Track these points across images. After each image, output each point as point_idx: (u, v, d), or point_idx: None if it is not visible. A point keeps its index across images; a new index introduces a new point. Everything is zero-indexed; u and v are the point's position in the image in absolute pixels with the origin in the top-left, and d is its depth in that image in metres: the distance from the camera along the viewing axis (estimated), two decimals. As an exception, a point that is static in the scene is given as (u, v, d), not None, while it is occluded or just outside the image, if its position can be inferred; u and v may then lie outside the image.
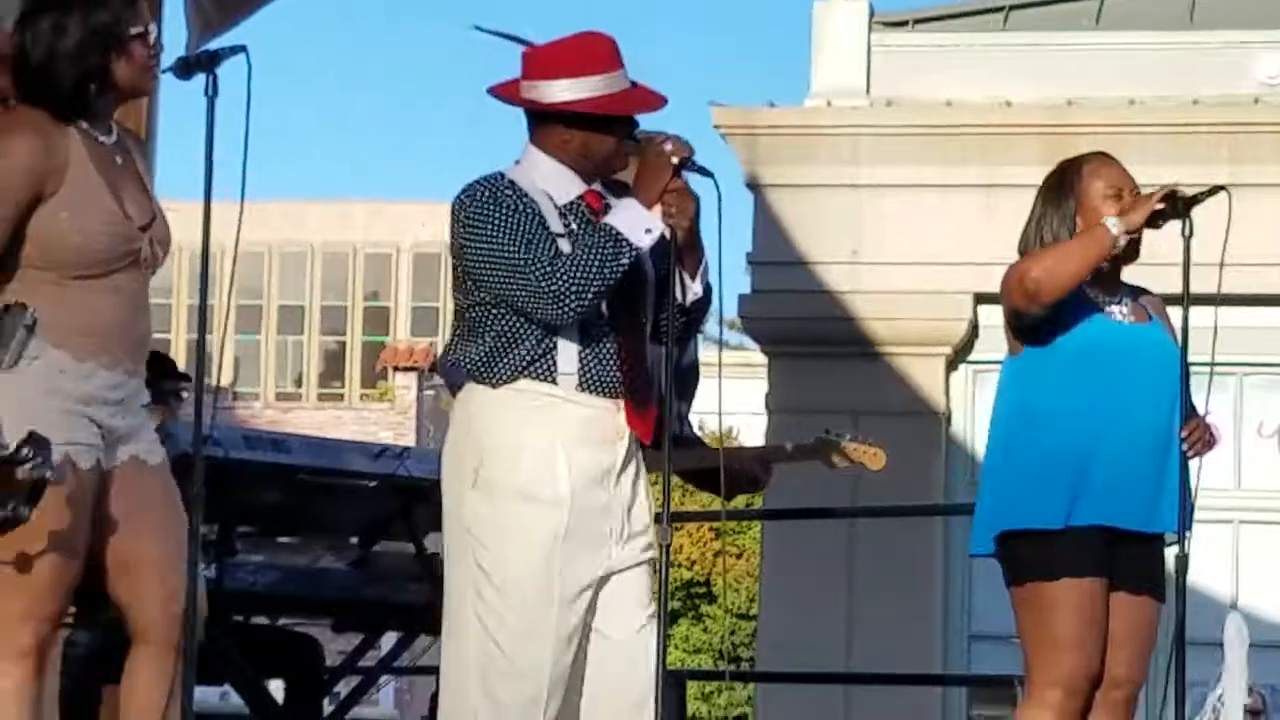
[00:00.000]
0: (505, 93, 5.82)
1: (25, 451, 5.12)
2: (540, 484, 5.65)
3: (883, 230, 14.02)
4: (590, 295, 5.55)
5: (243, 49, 5.34)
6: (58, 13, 5.49)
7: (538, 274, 5.56)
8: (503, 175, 5.73)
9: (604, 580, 5.70)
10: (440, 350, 7.42)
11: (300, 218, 48.26)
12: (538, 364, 5.65)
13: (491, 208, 5.65)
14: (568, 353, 5.66)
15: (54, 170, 5.36)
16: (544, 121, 5.79)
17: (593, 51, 5.77)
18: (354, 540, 8.02)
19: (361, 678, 8.98)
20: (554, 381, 5.65)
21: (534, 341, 5.64)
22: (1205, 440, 6.37)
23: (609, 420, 5.71)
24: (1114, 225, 6.09)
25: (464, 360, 5.77)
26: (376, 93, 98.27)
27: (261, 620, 8.52)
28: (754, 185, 14.23)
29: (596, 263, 5.57)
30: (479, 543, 5.69)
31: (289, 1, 9.57)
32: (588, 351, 5.68)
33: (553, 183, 5.74)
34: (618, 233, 5.59)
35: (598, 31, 5.85)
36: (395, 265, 51.53)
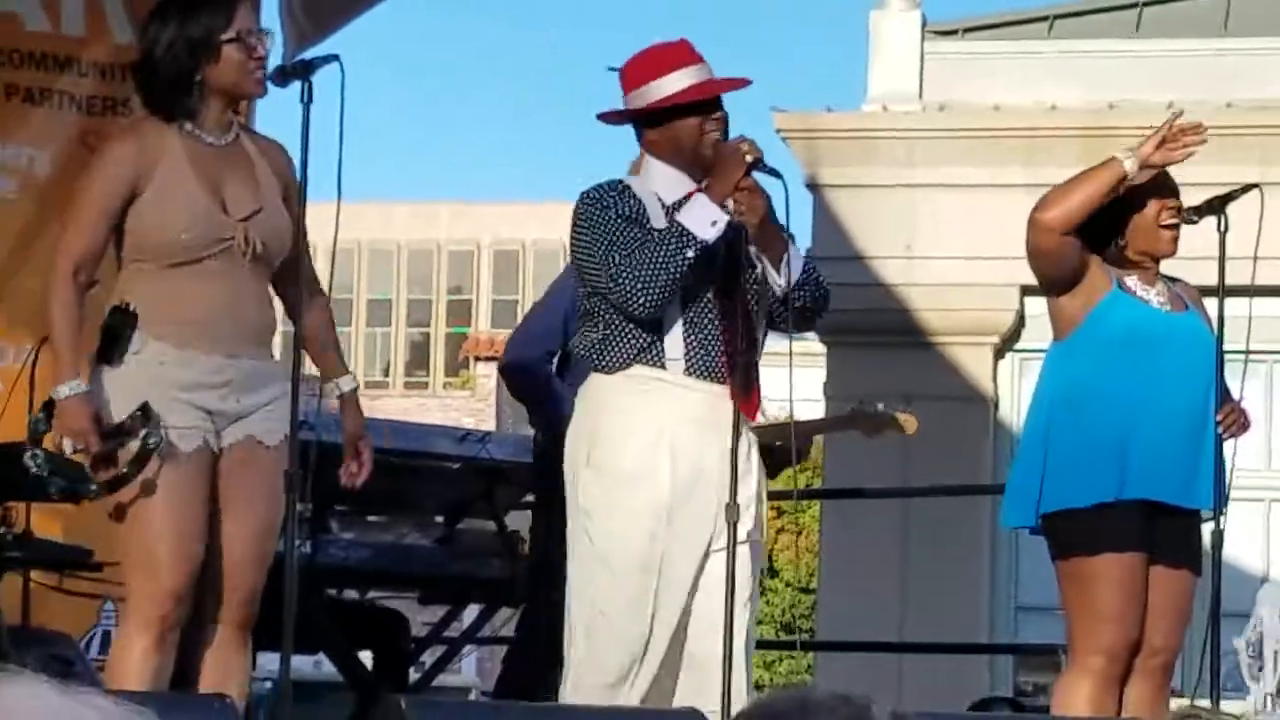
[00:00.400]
0: (609, 116, 5.97)
1: (133, 424, 5.20)
2: (646, 466, 5.70)
3: (935, 227, 14.00)
4: (658, 288, 5.60)
5: (335, 58, 5.37)
6: (157, 23, 5.58)
7: (616, 271, 5.63)
8: (620, 181, 5.89)
9: (706, 558, 5.71)
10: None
11: (388, 217, 48.47)
12: (647, 351, 5.72)
13: (595, 210, 5.77)
14: (674, 339, 5.72)
15: (145, 168, 5.41)
16: (643, 129, 5.90)
17: (664, 56, 5.87)
18: (439, 519, 8.04)
19: (446, 648, 8.98)
20: (663, 366, 5.73)
21: (643, 329, 5.71)
22: (1240, 423, 6.41)
23: (715, 403, 5.72)
24: (1125, 156, 6.07)
25: (581, 348, 5.91)
26: (462, 98, 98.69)
27: (353, 595, 8.54)
28: (813, 185, 14.22)
29: (662, 258, 5.60)
30: (590, 519, 5.77)
31: (381, 10, 9.48)
32: (694, 338, 5.73)
33: (663, 185, 5.81)
34: (684, 229, 5.63)
35: (671, 40, 5.92)
36: (476, 261, 51.75)
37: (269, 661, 5.93)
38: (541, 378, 7.29)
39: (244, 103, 5.75)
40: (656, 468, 5.66)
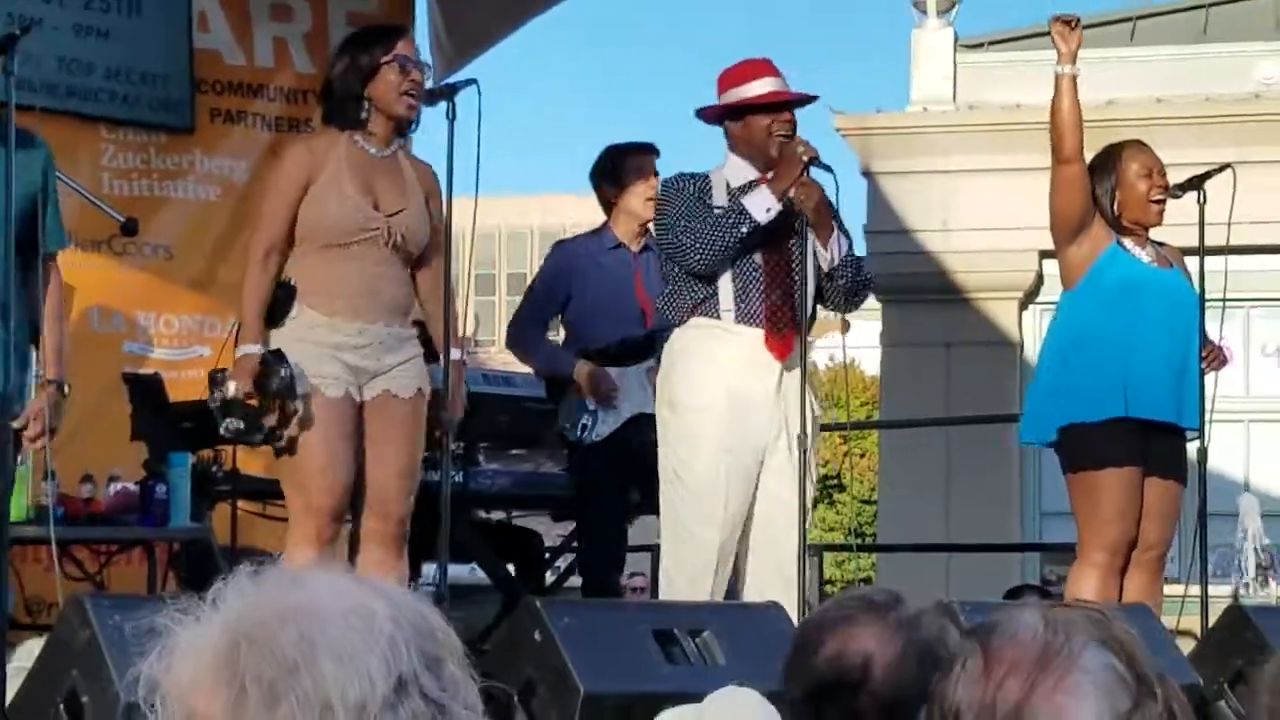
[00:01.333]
0: (705, 114, 6.04)
1: (277, 362, 5.31)
2: (705, 399, 5.74)
3: (966, 205, 13.98)
4: (715, 250, 5.72)
5: (473, 82, 5.43)
6: (338, 52, 5.70)
7: (681, 234, 5.74)
8: (702, 172, 5.94)
9: (763, 473, 5.75)
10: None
11: (523, 208, 48.42)
12: (704, 304, 5.79)
13: (671, 190, 5.93)
14: (726, 294, 5.78)
15: (315, 168, 5.47)
16: (727, 125, 5.96)
17: (749, 67, 5.96)
18: (565, 451, 8.05)
19: (574, 554, 9.01)
20: (717, 316, 5.77)
21: (700, 287, 5.79)
22: (1220, 359, 6.45)
23: (758, 344, 5.78)
24: (1060, 69, 6.13)
25: (663, 306, 5.96)
26: (588, 99, 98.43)
27: (498, 515, 8.57)
28: (867, 173, 14.20)
29: (722, 229, 5.70)
30: (669, 447, 5.82)
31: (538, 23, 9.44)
32: (741, 293, 5.78)
33: (734, 173, 5.89)
34: (743, 207, 5.72)
35: (758, 58, 6.02)
36: (597, 242, 51.77)
37: (431, 570, 5.98)
38: (531, 347, 7.31)
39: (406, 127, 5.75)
40: (715, 401, 5.71)
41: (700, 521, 5.72)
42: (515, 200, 48.28)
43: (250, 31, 9.04)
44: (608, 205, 7.15)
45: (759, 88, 5.88)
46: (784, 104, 5.90)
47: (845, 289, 5.95)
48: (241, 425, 5.34)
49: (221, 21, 8.98)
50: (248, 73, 9.04)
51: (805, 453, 5.72)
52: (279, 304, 5.44)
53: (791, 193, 5.70)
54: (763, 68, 5.92)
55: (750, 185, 5.79)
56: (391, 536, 5.52)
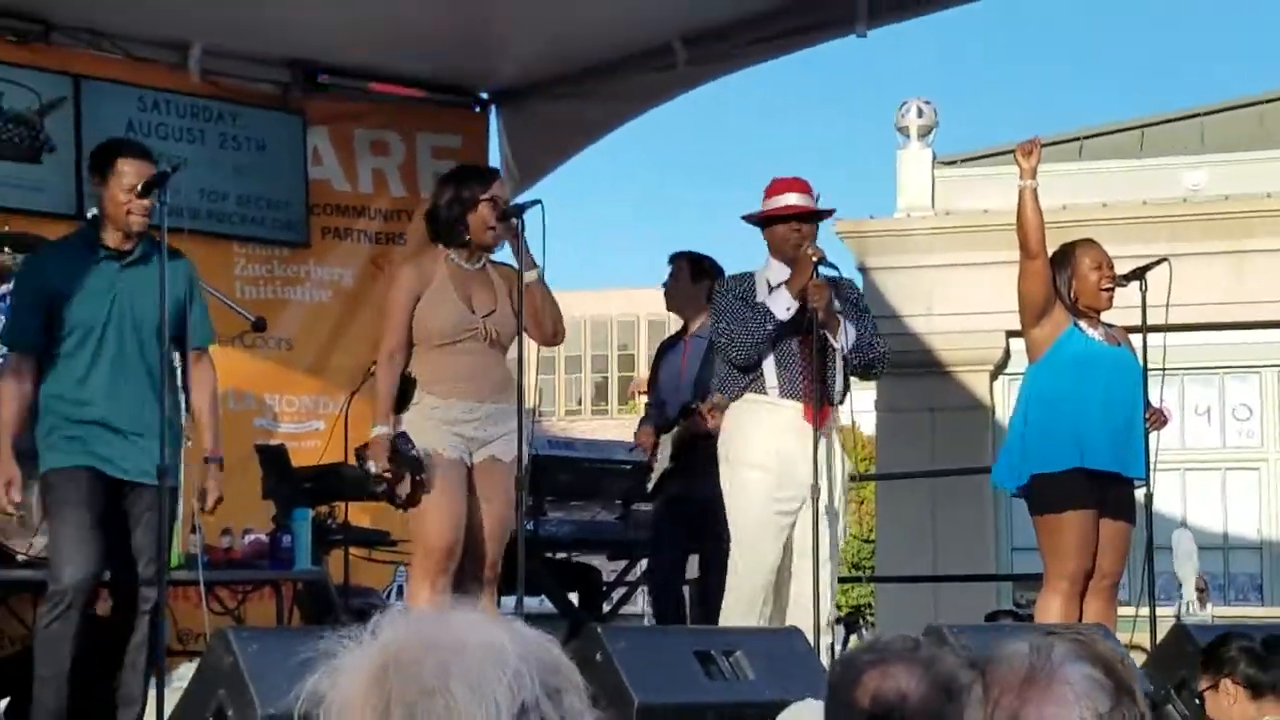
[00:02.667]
0: (748, 218, 6.07)
1: (402, 443, 5.37)
2: (759, 458, 5.79)
3: (945, 294, 13.96)
4: (747, 347, 5.79)
5: (538, 202, 5.49)
6: (442, 185, 5.73)
7: (724, 333, 5.81)
8: (747, 272, 6.02)
9: (798, 512, 5.77)
10: (651, 377, 7.51)
11: (578, 301, 48.51)
12: (755, 383, 5.83)
13: (722, 291, 6.02)
14: (770, 374, 5.81)
15: (423, 284, 5.53)
16: (765, 234, 5.99)
17: (783, 184, 5.99)
18: (618, 502, 8.05)
19: (626, 588, 8.99)
20: (765, 393, 5.82)
21: (752, 373, 5.84)
22: (1161, 420, 6.39)
23: (800, 416, 5.79)
24: (1021, 184, 6.11)
25: (718, 385, 6.03)
26: (613, 201, 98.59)
27: (563, 555, 8.56)
28: (863, 268, 14.20)
29: (752, 327, 5.75)
30: (728, 498, 5.86)
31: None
32: (784, 373, 5.82)
33: (773, 274, 5.93)
34: (767, 309, 5.75)
35: (792, 177, 6.04)
36: (637, 327, 51.68)
37: (509, 602, 6.00)
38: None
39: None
40: (765, 460, 5.75)
41: (750, 560, 5.78)
42: (569, 294, 48.50)
43: (354, 164, 9.11)
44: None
45: (780, 202, 5.93)
46: (801, 216, 5.92)
47: (857, 367, 5.99)
48: (380, 490, 5.44)
49: (331, 156, 9.05)
50: (352, 197, 9.09)
51: (837, 505, 5.79)
52: (405, 393, 5.50)
53: (806, 291, 5.74)
54: (790, 185, 5.97)
55: (776, 288, 5.84)
56: (489, 578, 5.56)
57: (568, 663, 1.49)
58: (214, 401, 5.55)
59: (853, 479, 6.29)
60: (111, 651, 5.16)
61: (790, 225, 5.90)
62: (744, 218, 6.06)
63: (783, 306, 5.73)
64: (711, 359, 6.38)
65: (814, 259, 5.77)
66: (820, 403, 5.80)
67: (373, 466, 5.37)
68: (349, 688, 1.43)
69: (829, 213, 6.09)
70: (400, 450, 5.38)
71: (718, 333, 5.90)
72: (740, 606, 5.74)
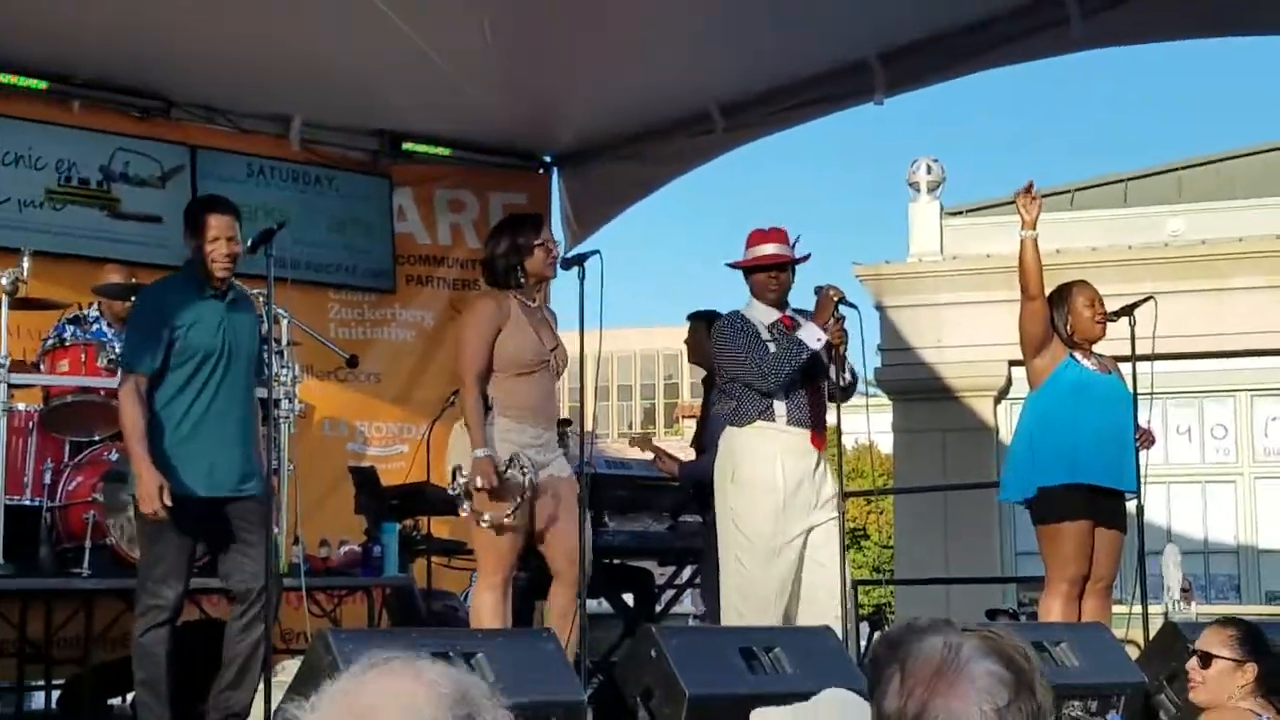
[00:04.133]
0: (734, 265, 5.89)
1: (513, 462, 5.29)
2: (768, 478, 5.65)
3: (953, 328, 13.91)
4: (784, 374, 5.63)
5: (597, 252, 5.39)
6: (497, 235, 5.65)
7: (759, 364, 5.60)
8: (738, 311, 5.83)
9: (808, 531, 5.68)
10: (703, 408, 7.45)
11: (628, 337, 48.55)
12: (764, 412, 5.68)
13: (732, 328, 5.75)
14: (780, 405, 5.66)
15: (502, 318, 5.47)
16: (747, 279, 5.85)
17: (763, 235, 5.83)
18: (667, 514, 8.00)
19: (675, 591, 8.94)
20: (774, 420, 5.67)
21: (759, 400, 5.67)
22: (1149, 440, 6.31)
23: (805, 441, 5.69)
24: (1023, 235, 6.02)
25: (724, 411, 5.83)
26: (659, 247, 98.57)
27: (620, 562, 8.54)
28: (879, 307, 14.16)
29: (787, 358, 5.61)
30: (735, 513, 5.69)
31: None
32: (792, 404, 5.69)
33: (760, 314, 5.78)
34: (800, 341, 5.64)
35: (773, 227, 5.88)
36: (680, 359, 51.70)
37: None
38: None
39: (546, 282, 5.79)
40: (774, 481, 5.63)
41: (760, 568, 5.62)
42: (621, 331, 48.49)
43: (434, 220, 9.15)
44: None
45: (759, 252, 5.80)
46: (778, 265, 5.79)
47: (842, 397, 5.85)
48: (468, 507, 5.35)
49: (414, 213, 9.09)
50: (432, 249, 9.13)
51: (841, 513, 5.70)
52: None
53: (828, 327, 5.68)
54: (768, 236, 5.82)
55: (797, 324, 5.74)
56: (574, 578, 5.44)
57: (476, 684, 1.50)
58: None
59: (873, 493, 6.22)
60: (217, 652, 5.13)
61: (769, 274, 5.78)
62: (728, 264, 5.92)
63: (813, 338, 5.64)
64: None
65: (835, 299, 5.71)
66: (820, 428, 5.75)
67: (479, 481, 5.23)
68: None
69: (804, 259, 5.89)
70: (510, 469, 5.27)
71: (740, 364, 5.67)
72: (754, 611, 5.62)
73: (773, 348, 5.65)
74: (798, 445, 5.68)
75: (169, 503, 4.88)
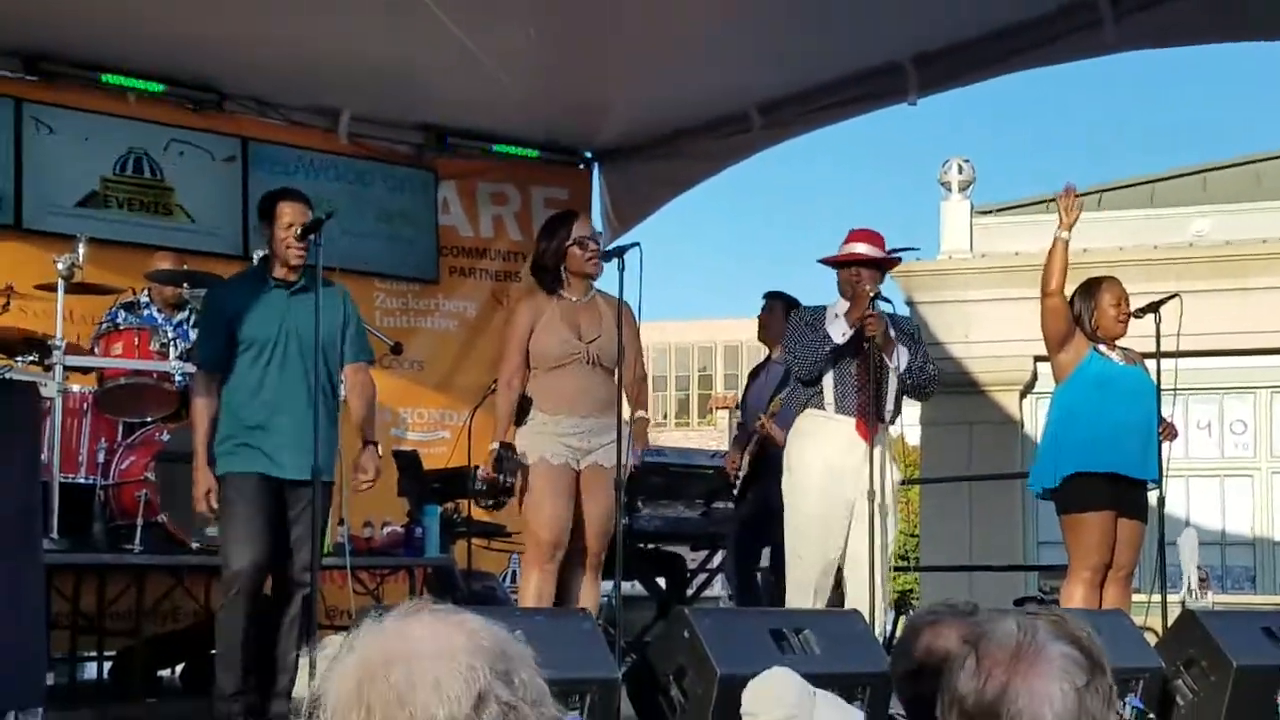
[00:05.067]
0: (825, 260, 5.95)
1: (506, 453, 5.35)
2: (816, 465, 5.71)
3: (981, 324, 13.83)
4: (808, 365, 5.75)
5: (636, 245, 5.36)
6: (538, 241, 5.70)
7: (792, 354, 5.78)
8: (819, 306, 5.92)
9: (852, 518, 5.70)
10: (740, 398, 7.47)
11: (663, 330, 48.58)
12: (814, 399, 5.77)
13: (794, 319, 5.95)
14: (829, 393, 5.73)
15: (536, 317, 5.51)
16: (838, 271, 5.88)
17: (854, 235, 5.90)
18: (700, 501, 8.01)
19: (707, 575, 8.94)
20: (823, 409, 5.74)
21: (812, 389, 5.78)
22: (1172, 433, 6.28)
23: (850, 429, 5.72)
24: (1059, 234, 6.00)
25: (787, 402, 6.09)
26: (696, 242, 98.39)
27: (653, 546, 8.55)
28: (910, 302, 14.08)
29: (814, 349, 5.70)
30: (789, 498, 5.80)
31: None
32: (840, 392, 5.73)
33: (840, 306, 5.83)
34: (827, 334, 5.68)
35: (865, 229, 5.94)
36: (714, 352, 51.67)
37: (607, 586, 5.99)
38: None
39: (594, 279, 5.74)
40: (820, 467, 5.69)
41: (808, 550, 5.70)
42: (657, 324, 48.55)
43: (477, 212, 9.16)
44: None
45: (847, 249, 5.85)
46: (862, 262, 5.83)
47: (911, 387, 5.91)
48: (487, 498, 5.46)
49: (458, 206, 9.11)
50: (475, 241, 9.14)
51: (887, 504, 5.70)
52: (523, 410, 5.49)
53: (864, 320, 5.69)
54: (861, 235, 5.88)
55: (837, 317, 5.80)
56: (595, 564, 5.54)
57: (515, 644, 1.50)
58: (369, 402, 5.51)
59: (902, 483, 6.25)
60: (271, 626, 5.18)
61: (851, 270, 5.81)
62: (820, 260, 5.96)
63: (839, 332, 5.68)
64: (787, 380, 6.38)
65: (870, 295, 5.71)
66: (874, 418, 5.73)
67: (480, 471, 5.41)
68: (335, 695, 1.47)
69: (893, 262, 5.92)
70: (502, 457, 5.38)
71: (787, 351, 5.91)
72: (801, 594, 5.68)
73: (835, 333, 5.72)
74: (843, 434, 5.71)
75: (215, 504, 5.10)
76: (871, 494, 5.59)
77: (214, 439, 5.14)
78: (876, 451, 5.70)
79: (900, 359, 5.81)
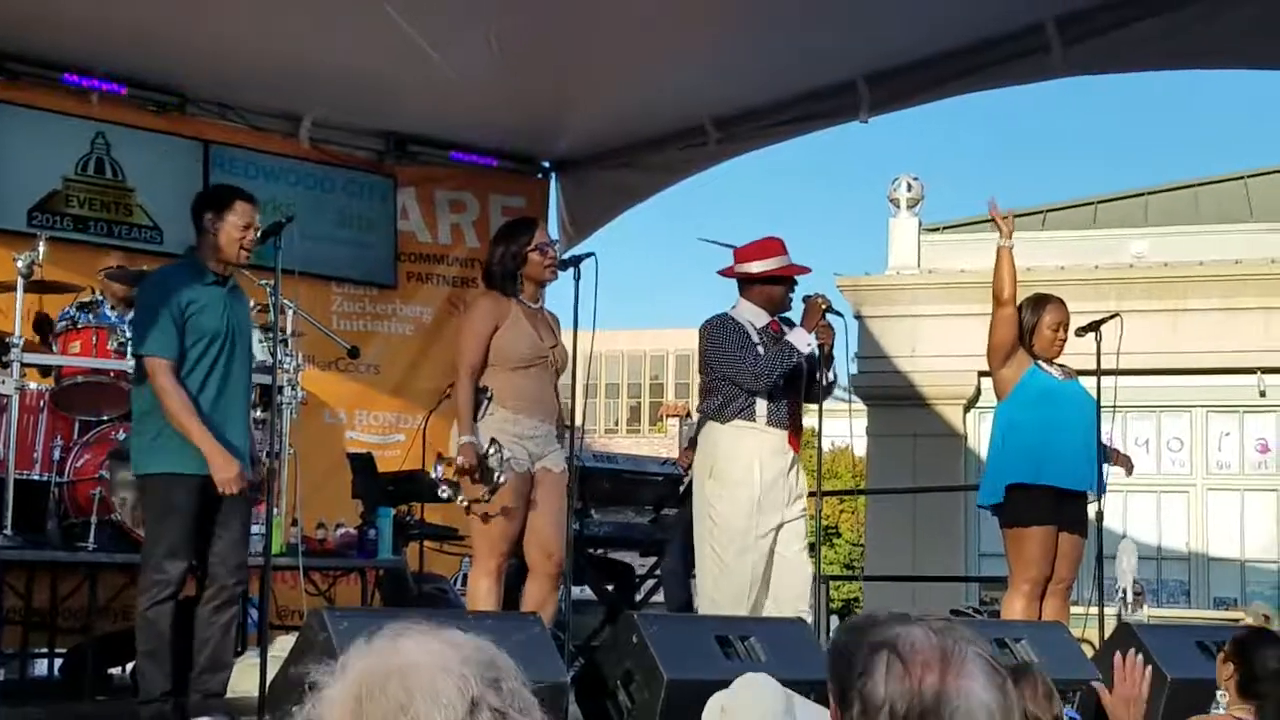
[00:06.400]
0: (727, 273, 5.84)
1: (494, 449, 5.21)
2: (746, 474, 5.62)
3: (927, 338, 13.91)
4: (775, 375, 5.59)
5: (591, 254, 5.34)
6: (494, 245, 5.63)
7: (749, 365, 5.55)
8: (726, 314, 5.76)
9: (780, 526, 5.65)
10: (694, 408, 7.43)
11: (616, 338, 48.53)
12: (745, 411, 5.65)
13: (722, 329, 5.70)
14: (761, 405, 5.64)
15: (500, 316, 5.43)
16: (747, 285, 5.80)
17: (771, 245, 5.79)
18: (649, 507, 7.98)
19: (655, 581, 8.92)
20: (754, 420, 5.65)
21: (743, 399, 5.64)
22: (1130, 465, 6.37)
23: (782, 441, 5.67)
24: (1002, 243, 6.03)
25: (707, 410, 5.79)
26: (648, 252, 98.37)
27: (603, 551, 8.52)
28: (859, 316, 14.14)
29: (779, 360, 5.59)
30: (712, 507, 5.65)
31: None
32: (772, 405, 5.66)
33: (751, 318, 5.74)
34: (792, 345, 5.62)
35: (774, 236, 5.85)
36: (666, 361, 51.70)
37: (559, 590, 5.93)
38: None
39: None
40: (751, 477, 5.60)
41: (735, 561, 5.59)
42: (609, 333, 48.52)
43: (435, 219, 9.13)
44: None
45: (776, 263, 5.78)
46: (794, 275, 5.80)
47: (820, 396, 5.86)
48: (450, 492, 5.29)
49: (416, 212, 9.07)
50: (433, 247, 9.11)
51: (819, 512, 5.67)
52: (479, 405, 5.36)
53: (816, 330, 5.67)
54: (776, 246, 5.79)
55: (783, 330, 5.73)
56: (556, 574, 5.40)
57: (502, 656, 1.53)
58: None
59: (842, 494, 6.20)
60: (200, 626, 5.07)
61: (790, 288, 5.76)
62: (726, 272, 5.83)
63: (803, 343, 5.63)
64: None
65: (822, 307, 5.69)
66: (797, 429, 5.72)
67: (458, 462, 5.19)
68: (333, 714, 1.48)
69: (807, 270, 5.88)
70: (489, 456, 5.21)
71: (732, 362, 5.63)
72: (728, 600, 5.59)
73: (761, 350, 5.64)
74: (775, 445, 5.66)
75: (251, 478, 4.96)
76: (819, 498, 5.60)
77: (152, 433, 4.97)
78: (797, 464, 5.70)
79: (831, 375, 5.79)
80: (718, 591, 5.60)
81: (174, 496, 4.88)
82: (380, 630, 1.54)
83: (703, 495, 5.70)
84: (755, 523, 5.58)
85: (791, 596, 5.59)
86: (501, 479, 5.19)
